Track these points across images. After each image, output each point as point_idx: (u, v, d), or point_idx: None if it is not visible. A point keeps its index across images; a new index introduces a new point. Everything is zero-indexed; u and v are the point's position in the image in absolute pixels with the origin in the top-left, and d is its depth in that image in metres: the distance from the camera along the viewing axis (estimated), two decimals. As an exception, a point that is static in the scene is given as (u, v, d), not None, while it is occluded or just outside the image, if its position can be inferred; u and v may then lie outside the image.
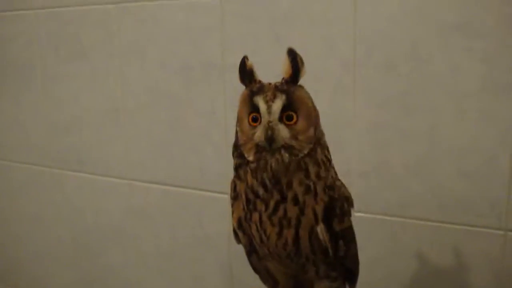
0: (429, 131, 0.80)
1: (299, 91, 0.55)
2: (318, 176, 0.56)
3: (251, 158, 0.56)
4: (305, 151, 0.55)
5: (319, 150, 0.56)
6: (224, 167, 0.95)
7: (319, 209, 0.56)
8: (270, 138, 0.54)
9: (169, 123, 1.01)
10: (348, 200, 0.60)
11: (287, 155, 0.55)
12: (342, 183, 0.60)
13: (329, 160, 0.58)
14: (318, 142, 0.56)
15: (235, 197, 0.61)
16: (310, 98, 0.57)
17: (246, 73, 0.56)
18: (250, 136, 0.56)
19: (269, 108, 0.54)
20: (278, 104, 0.54)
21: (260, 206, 0.57)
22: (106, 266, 1.14)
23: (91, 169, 1.10)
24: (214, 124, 0.96)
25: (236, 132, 0.59)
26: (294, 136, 0.55)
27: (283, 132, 0.54)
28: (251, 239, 0.61)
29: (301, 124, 0.55)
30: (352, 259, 0.63)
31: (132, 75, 1.02)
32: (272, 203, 0.56)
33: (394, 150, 0.83)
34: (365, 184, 0.85)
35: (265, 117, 0.54)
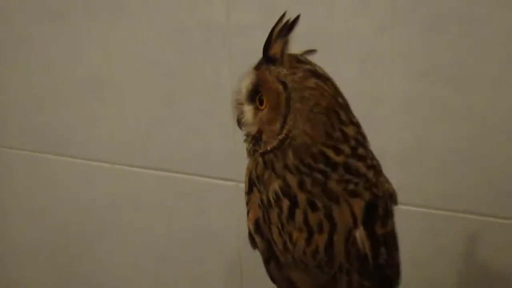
0: (483, 108, 0.78)
1: (265, 72, 0.53)
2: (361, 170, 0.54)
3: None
4: (270, 146, 0.53)
5: (290, 153, 0.52)
6: (231, 149, 0.95)
7: (358, 209, 0.54)
8: (238, 120, 0.56)
9: (164, 97, 0.99)
10: (392, 197, 0.58)
11: (250, 145, 0.56)
12: (386, 178, 0.57)
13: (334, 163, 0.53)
14: (288, 142, 0.52)
15: (250, 190, 0.59)
16: (278, 80, 0.52)
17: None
18: None
19: (239, 88, 0.55)
20: (245, 85, 0.54)
21: (275, 208, 0.55)
22: (90, 265, 1.13)
23: (70, 152, 1.08)
24: (218, 98, 0.95)
25: None
26: (261, 124, 0.54)
27: (248, 112, 0.55)
28: (270, 244, 0.60)
29: (267, 111, 0.53)
30: (393, 267, 0.61)
31: (117, 40, 0.99)
32: (284, 207, 0.54)
33: (439, 131, 0.81)
34: (403, 172, 0.83)
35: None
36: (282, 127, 0.52)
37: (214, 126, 0.96)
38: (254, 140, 0.55)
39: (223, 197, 0.98)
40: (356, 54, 0.83)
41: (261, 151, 0.54)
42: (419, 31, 0.79)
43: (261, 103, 0.53)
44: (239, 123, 0.56)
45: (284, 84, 0.52)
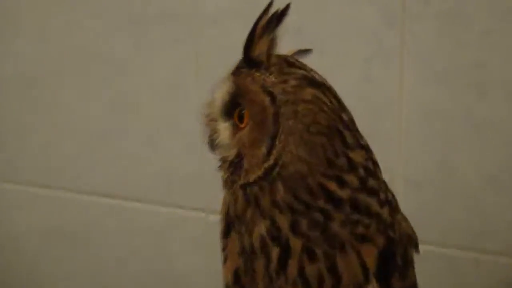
0: (515, 121, 0.78)
1: (246, 79, 0.51)
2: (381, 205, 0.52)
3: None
4: (254, 176, 0.51)
5: (280, 186, 0.50)
6: (199, 170, 0.92)
7: (370, 259, 0.51)
8: (210, 141, 0.54)
9: (112, 104, 0.96)
10: (412, 242, 0.56)
11: (227, 175, 0.53)
12: (403, 216, 0.55)
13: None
14: (277, 171, 0.50)
15: (227, 233, 0.56)
16: (263, 91, 0.51)
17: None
18: None
19: (211, 100, 0.54)
20: (220, 95, 0.53)
21: (261, 257, 0.53)
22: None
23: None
24: (181, 105, 0.92)
25: None
26: (240, 147, 0.52)
27: (223, 131, 0.54)
28: None
29: (249, 131, 0.52)
30: None
31: (53, 29, 0.97)
32: (273, 256, 0.52)
33: (463, 149, 0.79)
34: (417, 199, 0.80)
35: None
36: (269, 152, 0.50)
37: (177, 141, 0.92)
38: (232, 167, 0.52)
39: (189, 231, 0.93)
40: (358, 52, 0.80)
41: (241, 182, 0.51)
42: (435, 25, 0.77)
43: (241, 119, 0.51)
44: (212, 144, 0.54)
45: (271, 95, 0.49)
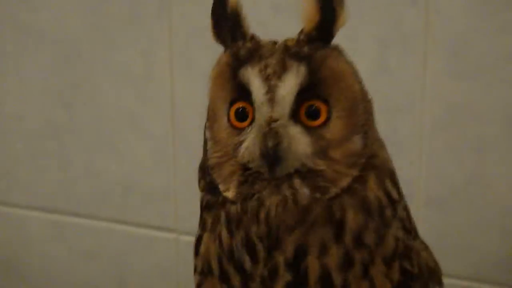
0: None
1: (332, 58, 0.52)
2: (376, 234, 0.52)
3: (231, 193, 0.53)
4: (343, 184, 0.51)
5: (372, 181, 0.52)
6: (169, 183, 0.90)
7: None
8: (275, 154, 0.50)
9: (63, 95, 0.95)
10: (434, 276, 0.56)
11: (306, 190, 0.51)
12: (423, 243, 0.56)
13: (396, 201, 0.53)
14: (372, 164, 0.52)
15: (202, 269, 0.56)
16: (354, 72, 0.53)
17: (226, 19, 0.53)
18: (232, 148, 0.53)
19: (271, 91, 0.50)
20: (290, 84, 0.50)
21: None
22: None
23: None
24: (149, 101, 0.90)
25: (205, 140, 0.56)
26: (323, 151, 0.51)
27: (300, 141, 0.51)
28: None
29: (336, 126, 0.52)
30: None
31: None
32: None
33: (497, 157, 0.78)
34: (441, 221, 0.79)
35: (262, 111, 0.50)
36: (365, 143, 0.51)
37: (142, 147, 0.91)
38: (308, 180, 0.51)
39: (155, 256, 0.93)
40: (372, 34, 0.78)
41: (327, 196, 0.51)
42: (467, 3, 0.75)
43: (313, 116, 0.51)
44: (275, 156, 0.50)
45: (357, 74, 0.52)
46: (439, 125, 0.79)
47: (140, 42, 0.90)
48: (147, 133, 0.91)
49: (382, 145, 0.54)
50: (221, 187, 0.53)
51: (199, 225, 0.56)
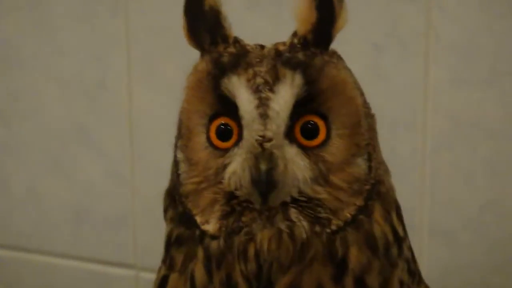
0: None
1: (332, 65, 0.49)
2: (380, 276, 0.50)
3: (212, 226, 0.49)
4: (347, 215, 0.49)
5: (378, 213, 0.50)
6: (128, 211, 0.88)
7: None
8: (268, 179, 0.47)
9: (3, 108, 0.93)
10: None
11: (304, 223, 0.48)
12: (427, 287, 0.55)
13: (402, 238, 0.52)
14: (377, 192, 0.50)
15: None
16: (356, 82, 0.51)
17: (203, 18, 0.51)
18: (213, 172, 0.49)
19: (263, 105, 0.47)
20: (285, 97, 0.47)
21: None
22: None
23: None
24: (105, 115, 0.88)
25: (175, 161, 0.52)
26: (323, 176, 0.48)
27: (298, 164, 0.48)
28: None
29: (337, 146, 0.49)
30: None
31: None
32: None
33: None
34: (446, 255, 0.77)
35: (253, 129, 0.47)
36: (370, 166, 0.49)
37: (95, 168, 0.89)
38: (300, 209, 0.48)
39: None
40: (365, 36, 0.76)
41: (335, 224, 0.49)
42: (477, 4, 0.73)
43: (310, 135, 0.48)
44: (269, 182, 0.48)
45: (357, 83, 0.51)
46: (445, 142, 0.76)
47: (92, 45, 0.87)
48: (101, 151, 0.89)
49: (386, 170, 0.51)
50: (199, 218, 0.49)
51: (164, 262, 0.51)
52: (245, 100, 0.47)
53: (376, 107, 0.73)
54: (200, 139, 0.50)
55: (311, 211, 0.48)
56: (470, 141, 0.77)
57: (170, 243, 0.51)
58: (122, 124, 0.91)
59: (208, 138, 0.49)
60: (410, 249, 0.53)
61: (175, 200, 0.51)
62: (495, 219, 0.78)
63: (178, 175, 0.51)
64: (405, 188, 0.81)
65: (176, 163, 0.51)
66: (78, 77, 0.90)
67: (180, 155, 0.51)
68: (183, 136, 0.51)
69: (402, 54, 0.77)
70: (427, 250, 0.80)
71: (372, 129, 0.50)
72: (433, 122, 0.78)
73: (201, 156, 0.49)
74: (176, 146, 0.51)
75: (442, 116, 0.78)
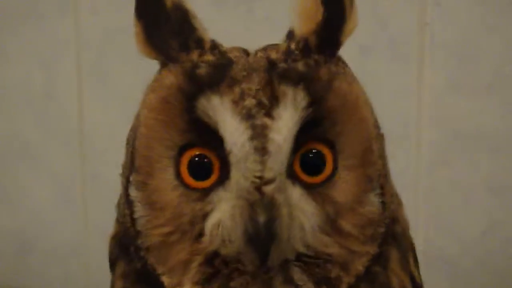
0: None
1: (342, 78, 0.43)
2: None
3: None
4: (359, 268, 0.43)
5: (395, 260, 0.46)
6: (82, 240, 0.84)
7: None
8: (269, 234, 0.41)
9: None
10: None
11: (310, 285, 0.43)
12: None
13: (419, 287, 0.48)
14: (393, 234, 0.46)
15: None
16: (365, 96, 0.45)
17: (165, 19, 0.45)
18: (187, 221, 0.42)
19: (259, 137, 0.41)
20: (288, 124, 0.41)
21: None
22: None
23: None
24: (53, 129, 0.84)
25: (128, 201, 0.44)
26: (330, 222, 0.43)
27: (304, 210, 0.42)
28: None
29: (345, 181, 0.43)
30: None
31: None
32: None
33: None
34: (445, 283, 0.74)
35: (246, 167, 0.41)
36: (383, 205, 0.44)
37: (44, 188, 0.85)
38: (304, 267, 0.43)
39: None
40: (351, 37, 0.67)
41: (347, 282, 0.43)
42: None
43: (317, 165, 0.42)
44: (269, 234, 0.42)
45: (367, 97, 0.46)
46: (441, 157, 0.72)
47: (39, 49, 0.82)
48: (48, 171, 0.85)
49: (400, 203, 0.45)
50: (167, 280, 0.41)
51: None
52: (233, 129, 0.39)
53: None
54: (165, 176, 0.42)
55: (318, 269, 0.42)
56: (470, 155, 0.73)
57: None
58: (72, 140, 0.86)
59: (178, 175, 0.41)
60: None
61: (129, 252, 0.43)
62: (499, 245, 0.74)
63: (133, 220, 0.43)
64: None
65: (129, 204, 0.43)
66: (21, 86, 0.86)
67: (135, 194, 0.43)
68: (139, 170, 0.43)
69: (392, 57, 0.73)
70: (422, 279, 0.77)
71: (382, 156, 0.44)
72: (429, 134, 0.75)
73: (169, 199, 0.42)
74: (128, 180, 0.43)
75: (439, 127, 0.74)
